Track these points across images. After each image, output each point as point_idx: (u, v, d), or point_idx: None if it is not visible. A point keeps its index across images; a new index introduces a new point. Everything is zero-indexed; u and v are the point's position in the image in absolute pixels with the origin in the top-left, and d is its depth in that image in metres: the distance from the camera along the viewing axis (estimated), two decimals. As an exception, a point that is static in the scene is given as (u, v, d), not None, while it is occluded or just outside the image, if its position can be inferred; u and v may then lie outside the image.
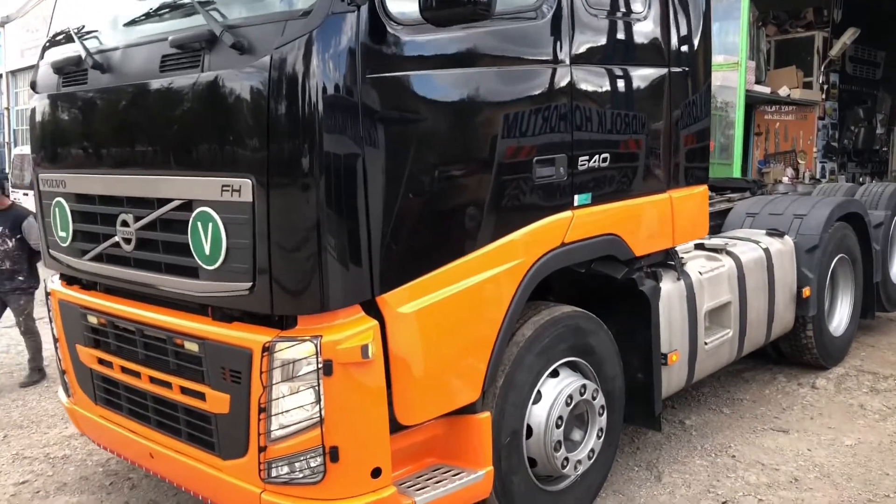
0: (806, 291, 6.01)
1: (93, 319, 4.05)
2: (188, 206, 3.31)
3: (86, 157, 3.90)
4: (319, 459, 3.12)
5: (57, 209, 4.10)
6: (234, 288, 3.19)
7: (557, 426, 3.85)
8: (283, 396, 3.13)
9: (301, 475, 3.17)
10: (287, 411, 3.14)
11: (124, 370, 3.92)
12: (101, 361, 4.09)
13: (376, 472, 3.19)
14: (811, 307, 6.11)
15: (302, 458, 3.16)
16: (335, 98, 2.97)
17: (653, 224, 4.45)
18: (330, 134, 2.96)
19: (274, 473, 3.23)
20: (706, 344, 5.03)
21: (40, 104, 4.19)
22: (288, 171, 2.98)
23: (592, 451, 4.11)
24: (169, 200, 3.39)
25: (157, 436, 3.80)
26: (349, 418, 3.11)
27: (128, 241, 3.65)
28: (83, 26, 3.94)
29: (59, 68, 4.00)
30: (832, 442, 5.18)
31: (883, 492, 4.47)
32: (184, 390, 3.57)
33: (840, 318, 6.75)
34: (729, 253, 5.41)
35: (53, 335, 4.46)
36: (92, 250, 3.92)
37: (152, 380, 3.74)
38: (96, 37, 3.87)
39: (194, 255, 3.30)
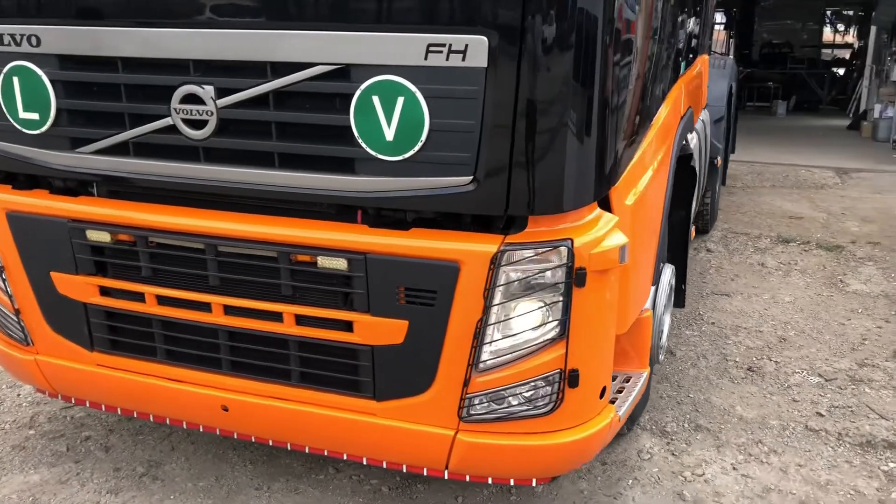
0: (718, 161, 6.29)
1: (98, 236, 2.88)
2: (343, 73, 2.38)
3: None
4: (553, 387, 2.56)
5: (17, 79, 2.77)
6: (438, 184, 2.38)
7: (663, 312, 3.62)
8: (511, 317, 2.49)
9: (524, 407, 2.59)
10: (513, 334, 2.52)
11: (164, 302, 2.88)
12: (106, 292, 2.97)
13: (603, 392, 2.72)
14: (719, 175, 6.44)
15: (526, 388, 2.57)
16: None
17: (700, 92, 4.24)
18: None
19: (478, 410, 2.61)
20: (688, 215, 5.05)
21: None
22: (550, 26, 2.23)
23: (667, 335, 3.95)
24: (303, 65, 2.41)
25: (237, 382, 2.88)
26: (591, 335, 2.57)
27: (197, 124, 2.58)
28: None
29: None
30: (775, 301, 5.59)
31: (856, 339, 4.93)
32: (301, 320, 2.71)
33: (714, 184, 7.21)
34: (691, 123, 5.42)
35: (-6, 262, 3.14)
36: (105, 139, 2.74)
37: (229, 311, 2.79)
38: None
39: (360, 141, 2.40)
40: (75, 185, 2.98)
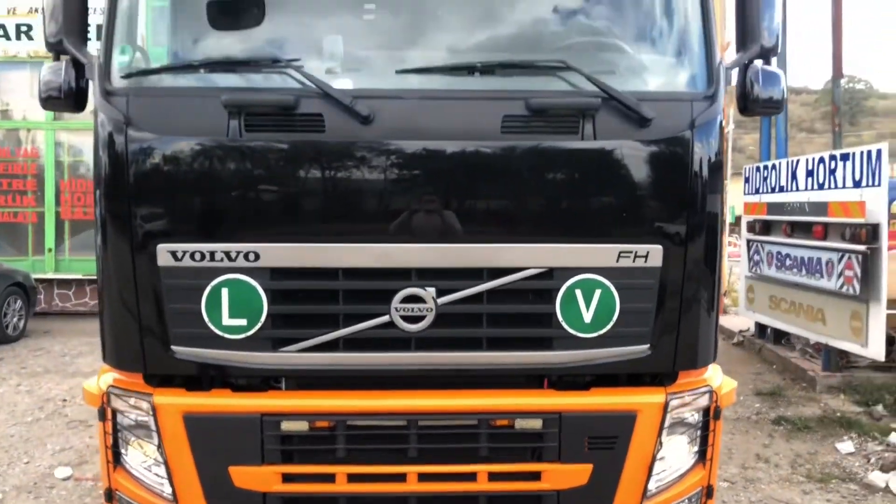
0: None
1: (293, 426, 3.19)
2: (551, 273, 3.15)
3: (324, 223, 3.13)
4: (698, 501, 3.39)
5: (227, 290, 3.10)
6: (622, 353, 3.18)
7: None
8: (671, 450, 3.31)
9: (677, 522, 3.37)
10: (673, 463, 3.33)
11: (356, 479, 3.24)
12: (289, 479, 3.24)
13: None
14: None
15: (680, 504, 3.37)
16: (719, 164, 3.27)
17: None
18: (717, 196, 3.29)
19: (645, 531, 3.34)
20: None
21: (185, 151, 3.08)
22: (700, 235, 3.19)
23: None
24: (512, 270, 3.13)
25: (424, 543, 3.29)
26: (717, 454, 3.46)
27: (414, 319, 3.13)
28: (285, 56, 3.14)
29: (236, 105, 3.06)
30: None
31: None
32: (493, 476, 3.26)
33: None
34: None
35: (164, 464, 3.20)
36: (315, 338, 3.13)
37: (423, 477, 3.24)
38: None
39: (563, 324, 3.14)
40: (259, 382, 3.27)
